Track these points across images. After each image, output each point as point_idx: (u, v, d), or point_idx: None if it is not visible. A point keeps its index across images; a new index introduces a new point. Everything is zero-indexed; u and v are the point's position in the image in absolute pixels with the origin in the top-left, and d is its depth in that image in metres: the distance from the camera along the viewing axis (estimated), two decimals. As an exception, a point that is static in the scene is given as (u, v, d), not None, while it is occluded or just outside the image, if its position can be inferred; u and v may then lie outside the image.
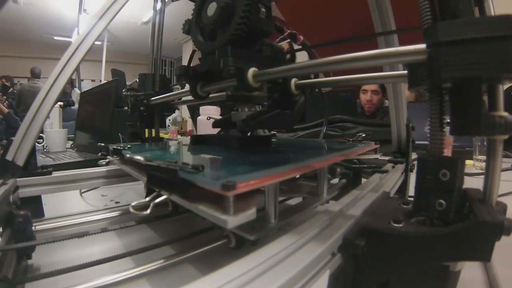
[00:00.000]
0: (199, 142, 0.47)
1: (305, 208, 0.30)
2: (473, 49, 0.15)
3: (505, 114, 0.18)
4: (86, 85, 3.93)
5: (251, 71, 0.29)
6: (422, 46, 0.17)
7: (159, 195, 0.22)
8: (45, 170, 0.43)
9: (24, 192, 0.39)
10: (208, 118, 0.96)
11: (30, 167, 0.42)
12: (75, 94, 2.75)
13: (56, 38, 4.39)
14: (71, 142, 1.45)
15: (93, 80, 4.74)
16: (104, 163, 0.43)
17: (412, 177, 0.46)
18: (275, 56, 0.32)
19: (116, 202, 0.55)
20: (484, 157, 0.84)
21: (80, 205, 0.54)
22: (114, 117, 1.16)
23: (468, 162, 0.91)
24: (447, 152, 0.87)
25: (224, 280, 0.13)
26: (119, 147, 0.42)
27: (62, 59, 0.45)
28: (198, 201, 0.21)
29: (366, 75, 0.30)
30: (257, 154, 0.31)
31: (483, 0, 0.17)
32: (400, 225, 0.19)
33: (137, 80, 0.70)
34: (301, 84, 0.33)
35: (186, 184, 0.21)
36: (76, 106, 2.53)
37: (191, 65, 0.38)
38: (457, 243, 0.17)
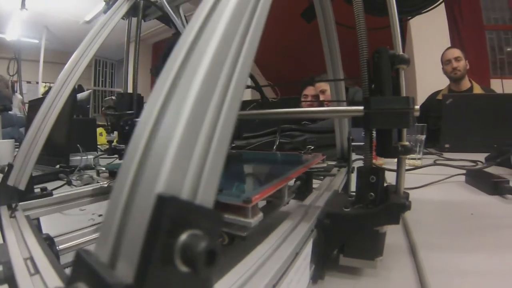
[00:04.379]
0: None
1: (274, 209, 0.39)
2: (388, 114, 0.28)
3: (407, 143, 0.31)
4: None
5: None
6: (361, 108, 0.30)
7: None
8: (44, 192, 0.43)
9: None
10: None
11: (30, 190, 0.41)
12: (17, 100, 2.45)
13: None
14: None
15: (28, 82, 4.24)
16: (105, 185, 0.46)
17: (353, 177, 0.61)
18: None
19: (99, 215, 0.55)
20: (414, 156, 1.04)
21: (66, 222, 0.52)
22: (72, 127, 1.15)
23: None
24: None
25: (259, 254, 0.24)
26: (116, 170, 0.45)
27: (63, 73, 0.46)
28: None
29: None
30: (245, 171, 0.43)
31: (400, 87, 0.30)
32: (348, 209, 0.32)
33: (113, 98, 0.75)
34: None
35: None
36: (15, 111, 2.32)
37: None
38: (380, 216, 0.29)
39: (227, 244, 0.34)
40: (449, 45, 2.31)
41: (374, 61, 0.30)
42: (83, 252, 0.11)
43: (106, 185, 0.47)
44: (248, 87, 0.55)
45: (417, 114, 0.28)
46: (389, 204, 0.29)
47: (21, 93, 2.77)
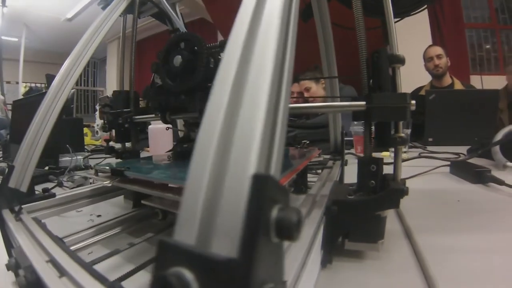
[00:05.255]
0: (183, 157, 0.53)
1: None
2: (388, 109, 0.31)
3: (403, 135, 0.34)
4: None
5: None
6: (363, 103, 0.32)
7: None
8: (46, 193, 0.42)
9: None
10: (167, 128, 1.02)
11: (31, 192, 0.40)
12: (-2, 101, 2.36)
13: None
14: None
15: (8, 82, 4.01)
16: (109, 184, 0.43)
17: (346, 169, 0.64)
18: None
19: (98, 216, 0.54)
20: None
21: (65, 224, 0.51)
22: (60, 128, 1.13)
23: (385, 153, 1.14)
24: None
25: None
26: (118, 168, 0.43)
27: (61, 73, 0.44)
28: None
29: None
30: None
31: (396, 84, 0.33)
32: (352, 197, 0.35)
33: (108, 96, 0.75)
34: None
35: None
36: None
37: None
38: (382, 202, 0.32)
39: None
40: (431, 42, 2.40)
41: (373, 60, 0.33)
42: (166, 238, 0.11)
43: (110, 185, 0.44)
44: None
45: (413, 108, 0.31)
46: (389, 190, 0.32)
47: (2, 94, 2.68)
